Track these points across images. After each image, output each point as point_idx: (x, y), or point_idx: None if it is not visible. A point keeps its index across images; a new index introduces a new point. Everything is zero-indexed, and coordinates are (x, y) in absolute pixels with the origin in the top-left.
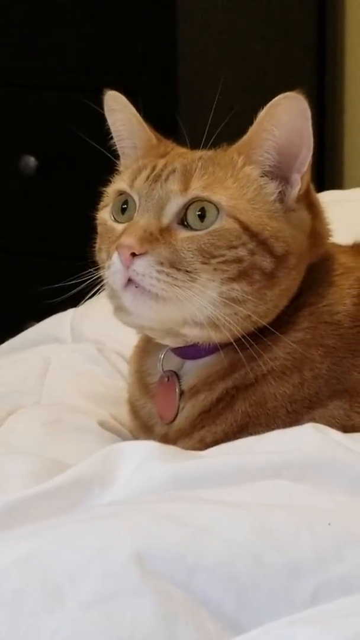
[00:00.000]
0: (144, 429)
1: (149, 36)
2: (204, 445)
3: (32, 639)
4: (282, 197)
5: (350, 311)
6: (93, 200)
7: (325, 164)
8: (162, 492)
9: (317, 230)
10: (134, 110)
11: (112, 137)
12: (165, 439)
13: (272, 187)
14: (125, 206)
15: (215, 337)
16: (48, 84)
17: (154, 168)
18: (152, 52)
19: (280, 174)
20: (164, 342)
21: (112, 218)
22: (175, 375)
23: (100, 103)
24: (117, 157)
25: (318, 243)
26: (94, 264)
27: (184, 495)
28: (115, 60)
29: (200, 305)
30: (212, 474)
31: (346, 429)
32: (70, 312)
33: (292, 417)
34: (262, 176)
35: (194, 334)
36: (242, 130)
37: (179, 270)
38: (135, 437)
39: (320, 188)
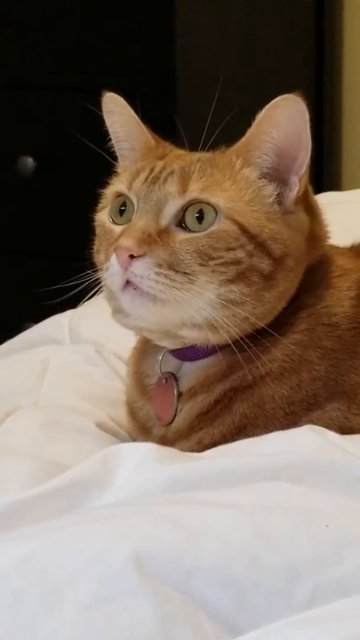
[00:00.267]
0: (142, 430)
1: (147, 37)
2: (202, 446)
3: None
4: (280, 199)
5: (348, 313)
6: (91, 202)
7: (323, 166)
8: (160, 493)
9: (315, 232)
10: (132, 112)
11: (110, 139)
12: (163, 441)
13: (270, 189)
14: (123, 208)
15: (214, 338)
16: (46, 84)
17: (152, 170)
18: (150, 53)
19: (278, 176)
20: (162, 344)
21: (110, 220)
22: (173, 376)
23: (98, 104)
24: (115, 158)
25: (316, 245)
26: (92, 266)
27: (182, 497)
28: (114, 61)
29: (199, 307)
30: (210, 475)
31: (344, 430)
32: (69, 313)
33: (290, 419)
34: (260, 178)
35: (192, 336)
36: (240, 132)
37: (177, 272)
38: (133, 439)
39: (318, 190)
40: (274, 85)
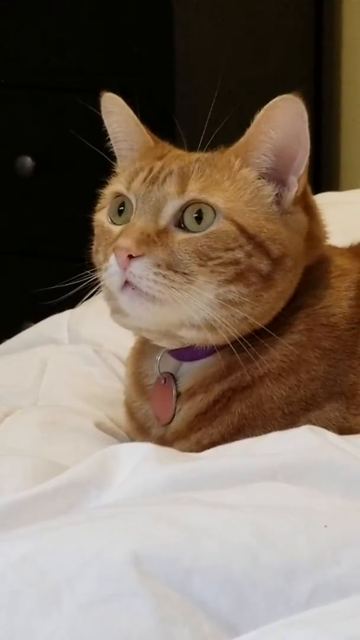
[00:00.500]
0: (140, 430)
1: (146, 37)
2: (200, 447)
3: None
4: (278, 200)
5: (346, 313)
6: (90, 202)
7: (321, 166)
8: (158, 494)
9: (313, 232)
10: (130, 112)
11: (109, 139)
12: (162, 441)
13: (269, 190)
14: (122, 208)
15: (212, 339)
16: (45, 84)
17: (151, 170)
18: (149, 53)
19: (277, 176)
20: (160, 344)
21: (109, 220)
22: (172, 377)
23: (97, 104)
24: (114, 158)
25: (315, 245)
26: (91, 266)
27: (181, 497)
28: (112, 61)
29: (197, 307)
30: (208, 475)
31: (342, 430)
32: (67, 313)
33: (288, 419)
34: (259, 178)
35: (191, 336)
36: (239, 132)
37: (175, 272)
38: (132, 439)
39: (317, 190)
40: (272, 85)
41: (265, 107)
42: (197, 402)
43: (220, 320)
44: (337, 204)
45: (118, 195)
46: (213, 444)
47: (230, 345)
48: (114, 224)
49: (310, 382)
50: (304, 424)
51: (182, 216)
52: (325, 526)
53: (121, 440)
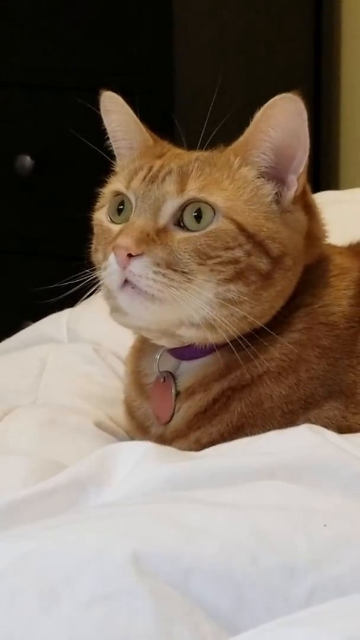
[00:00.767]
0: (140, 429)
1: (145, 36)
2: (199, 445)
3: (28, 639)
4: (278, 199)
5: (346, 312)
6: (89, 201)
7: (321, 165)
8: (158, 492)
9: (313, 231)
10: (130, 110)
11: (108, 138)
12: (161, 440)
13: (268, 189)
14: (121, 207)
15: (212, 337)
16: (44, 83)
17: (150, 169)
18: (148, 52)
19: (276, 175)
20: (160, 343)
21: (109, 219)
22: (171, 375)
23: (96, 103)
24: (113, 157)
25: (314, 244)
26: (90, 265)
27: (180, 496)
28: (112, 61)
29: (197, 306)
30: (208, 474)
31: (342, 429)
32: (67, 312)
33: (287, 418)
34: (258, 177)
35: (190, 335)
36: (238, 131)
37: (175, 271)
38: (131, 438)
39: (316, 189)
40: (272, 83)
41: (265, 105)
42: (197, 401)
43: (220, 319)
44: (336, 203)
45: (117, 194)
46: (212, 442)
47: (230, 344)
48: (114, 222)
49: (309, 381)
50: (303, 422)
51: (181, 215)
52: (325, 525)
53: (121, 439)
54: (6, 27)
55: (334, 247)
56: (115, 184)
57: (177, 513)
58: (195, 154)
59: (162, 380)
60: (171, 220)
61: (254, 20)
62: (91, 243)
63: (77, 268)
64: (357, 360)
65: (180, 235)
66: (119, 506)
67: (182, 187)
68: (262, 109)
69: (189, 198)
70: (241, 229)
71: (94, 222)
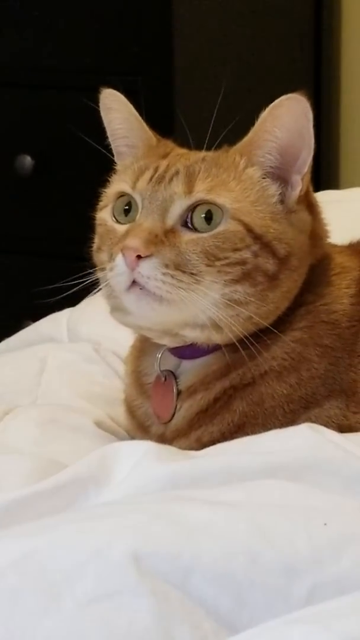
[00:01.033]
0: (140, 429)
1: (145, 35)
2: (200, 445)
3: (28, 638)
4: (282, 199)
5: (347, 311)
6: (90, 200)
7: (321, 164)
8: (158, 491)
9: (316, 230)
10: (132, 108)
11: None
12: (162, 439)
13: (273, 189)
14: (126, 207)
15: (217, 338)
16: (44, 83)
17: (156, 169)
18: (148, 51)
19: (280, 175)
20: (161, 342)
21: (114, 219)
22: (172, 375)
23: (96, 103)
24: (114, 156)
25: (317, 244)
26: (91, 264)
27: (180, 495)
28: (112, 60)
29: (203, 307)
30: (208, 474)
31: (342, 428)
32: (67, 311)
33: (288, 417)
34: (264, 178)
35: (194, 335)
36: (238, 131)
37: (183, 272)
38: (132, 437)
39: (316, 188)
40: (272, 84)
41: (271, 106)
42: (198, 399)
43: (226, 320)
44: (336, 202)
45: (122, 194)
46: (213, 441)
47: (236, 343)
48: (119, 223)
49: (310, 380)
50: (304, 421)
51: (189, 216)
52: (325, 524)
53: (121, 438)
54: (6, 26)
55: (335, 246)
56: (119, 184)
57: (177, 512)
58: (200, 154)
59: (163, 379)
60: (179, 221)
61: (254, 20)
62: (92, 242)
63: (77, 268)
64: (357, 359)
65: (188, 236)
66: (120, 505)
67: (189, 189)
68: (268, 109)
69: (197, 199)
70: (249, 230)
71: (97, 222)
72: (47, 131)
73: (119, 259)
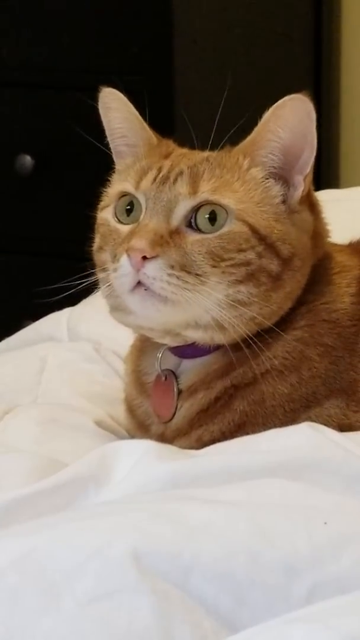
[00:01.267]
0: (140, 428)
1: (145, 35)
2: (201, 444)
3: (28, 637)
4: (284, 199)
5: (348, 310)
6: (90, 200)
7: (321, 163)
8: (158, 490)
9: (318, 230)
10: (132, 107)
11: None
12: (162, 438)
13: (276, 189)
14: (129, 207)
15: (220, 338)
16: (44, 83)
17: (159, 169)
18: (148, 51)
19: (283, 175)
20: (162, 342)
21: (116, 219)
22: (172, 374)
23: (96, 102)
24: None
25: (319, 244)
26: (91, 264)
27: (181, 494)
28: (112, 61)
29: (207, 308)
30: (208, 473)
31: (343, 427)
32: (67, 311)
33: (289, 416)
34: (267, 178)
35: (196, 336)
36: (238, 131)
37: (189, 273)
38: (132, 436)
39: (316, 187)
40: (272, 84)
41: (274, 106)
42: (199, 399)
43: (229, 320)
44: (336, 201)
45: (125, 194)
46: (213, 441)
47: (240, 343)
48: (122, 223)
49: (311, 379)
50: (305, 420)
51: (193, 217)
52: (325, 523)
53: (121, 438)
54: (6, 26)
55: (335, 245)
56: (122, 183)
57: (177, 511)
58: (203, 154)
59: (164, 378)
60: (183, 222)
61: (254, 20)
62: (92, 242)
63: (78, 267)
64: (358, 358)
65: (193, 237)
66: (120, 504)
67: (194, 189)
68: (271, 109)
69: (202, 200)
70: (254, 231)
71: (99, 222)
72: (47, 131)
73: (124, 259)
